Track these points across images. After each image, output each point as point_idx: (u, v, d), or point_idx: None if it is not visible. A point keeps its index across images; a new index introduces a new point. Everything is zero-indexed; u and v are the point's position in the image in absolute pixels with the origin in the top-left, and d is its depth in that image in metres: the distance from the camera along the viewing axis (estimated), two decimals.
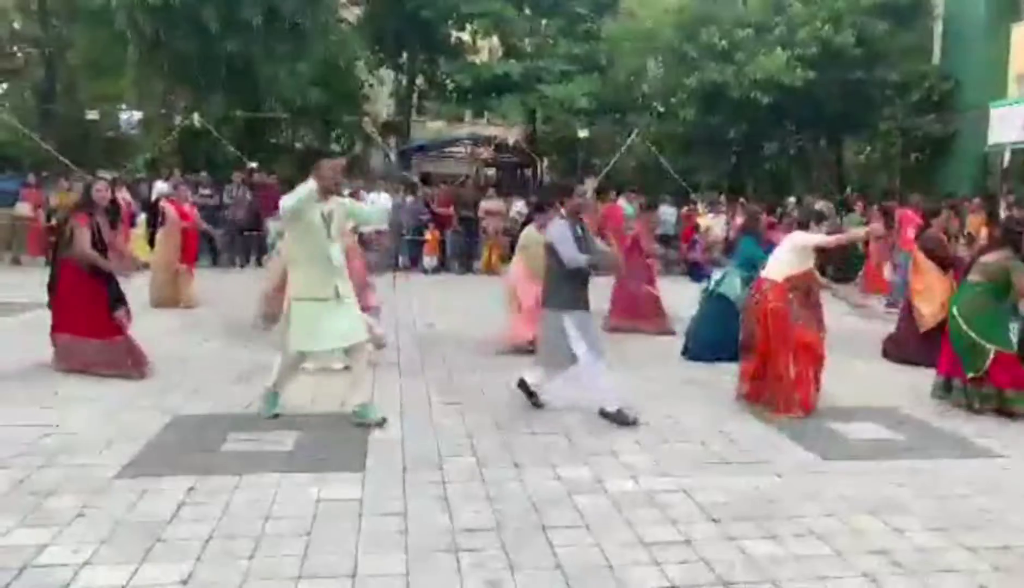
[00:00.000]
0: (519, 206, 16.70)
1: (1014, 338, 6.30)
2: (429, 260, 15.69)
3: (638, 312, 9.21)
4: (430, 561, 3.44)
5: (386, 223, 5.91)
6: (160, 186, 14.89)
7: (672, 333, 8.81)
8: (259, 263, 13.90)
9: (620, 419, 5.48)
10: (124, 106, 18.34)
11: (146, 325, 7.64)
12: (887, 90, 18.19)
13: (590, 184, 17.70)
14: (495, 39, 23.32)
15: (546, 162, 23.35)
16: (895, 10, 18.15)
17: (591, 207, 5.77)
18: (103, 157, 18.41)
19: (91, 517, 3.77)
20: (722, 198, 17.25)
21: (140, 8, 16.87)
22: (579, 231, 5.68)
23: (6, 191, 14.76)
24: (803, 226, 6.25)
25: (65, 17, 21.00)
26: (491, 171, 24.69)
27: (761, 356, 5.95)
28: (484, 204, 17.05)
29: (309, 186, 5.10)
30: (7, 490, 4.06)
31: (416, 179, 18.82)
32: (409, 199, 16.53)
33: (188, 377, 6.54)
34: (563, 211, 5.78)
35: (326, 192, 5.24)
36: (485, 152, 23.33)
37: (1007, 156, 13.47)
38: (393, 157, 21.26)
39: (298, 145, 21.36)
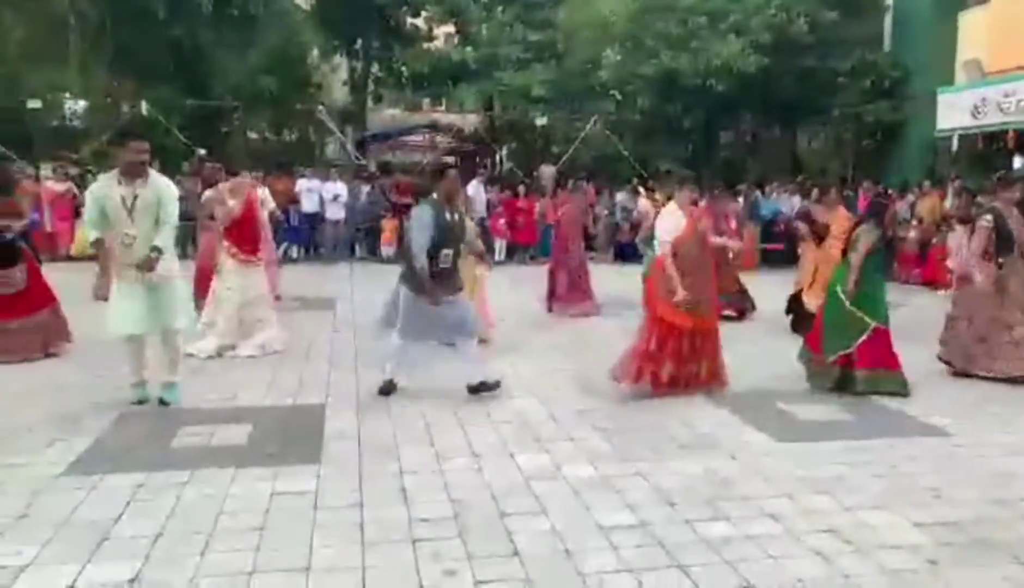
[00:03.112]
0: (472, 187, 16.59)
1: None
2: (387, 249, 15.55)
3: (573, 295, 9.53)
4: (386, 553, 3.40)
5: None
6: None
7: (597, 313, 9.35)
8: None
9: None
10: (68, 95, 17.80)
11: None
12: (839, 77, 18.46)
13: (549, 171, 17.68)
14: (451, 26, 23.12)
15: (505, 150, 23.27)
16: (845, 0, 18.46)
17: (459, 191, 5.76)
18: (48, 148, 17.81)
19: (35, 517, 3.66)
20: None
21: None
22: (449, 217, 5.60)
23: None
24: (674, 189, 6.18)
25: (0, 3, 20.23)
26: (450, 159, 24.54)
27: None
28: None
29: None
30: None
31: (373, 168, 18.63)
32: (365, 188, 16.35)
33: None
34: (435, 194, 5.65)
35: (129, 175, 5.18)
36: (443, 140, 23.17)
37: (955, 141, 13.78)
38: (349, 146, 20.99)
39: (251, 134, 20.96)
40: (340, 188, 15.76)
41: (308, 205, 15.33)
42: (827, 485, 4.20)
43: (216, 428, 4.99)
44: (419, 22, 22.81)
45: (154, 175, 5.33)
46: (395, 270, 8.25)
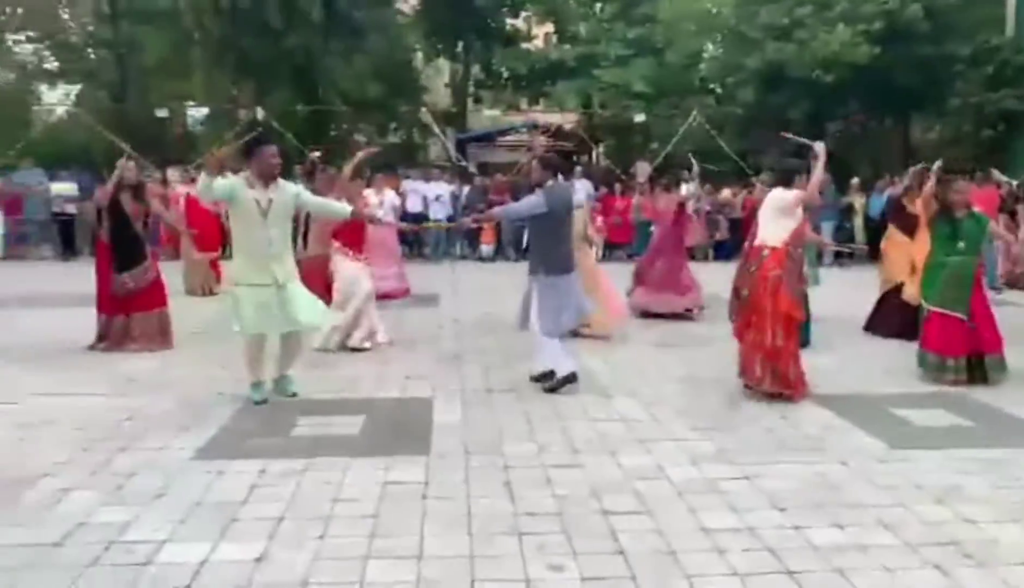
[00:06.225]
0: (578, 186, 16.42)
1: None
2: (486, 248, 15.84)
3: (669, 286, 9.25)
4: (494, 543, 3.49)
5: (347, 216, 6.09)
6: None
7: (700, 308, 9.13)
8: None
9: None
10: (191, 103, 18.94)
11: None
12: (958, 65, 17.50)
13: (644, 168, 17.50)
14: (550, 25, 23.23)
15: (602, 147, 23.16)
16: None
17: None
18: (173, 152, 19.04)
19: (170, 498, 3.95)
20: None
21: (207, 9, 17.39)
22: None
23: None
24: (783, 184, 5.87)
25: (135, 19, 21.69)
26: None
27: (745, 323, 5.79)
28: None
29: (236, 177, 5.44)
30: (93, 471, 4.29)
31: (473, 168, 18.93)
32: (466, 188, 16.68)
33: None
34: None
35: (264, 178, 5.41)
36: (541, 139, 23.27)
37: None
38: (451, 147, 21.40)
39: (358, 137, 21.73)
40: (442, 188, 16.16)
41: (412, 205, 15.79)
42: (946, 495, 4.02)
43: (331, 419, 5.23)
44: (519, 23, 23.04)
45: (280, 181, 5.60)
46: (494, 268, 8.39)
